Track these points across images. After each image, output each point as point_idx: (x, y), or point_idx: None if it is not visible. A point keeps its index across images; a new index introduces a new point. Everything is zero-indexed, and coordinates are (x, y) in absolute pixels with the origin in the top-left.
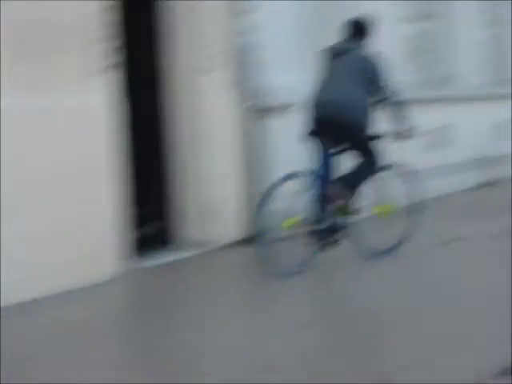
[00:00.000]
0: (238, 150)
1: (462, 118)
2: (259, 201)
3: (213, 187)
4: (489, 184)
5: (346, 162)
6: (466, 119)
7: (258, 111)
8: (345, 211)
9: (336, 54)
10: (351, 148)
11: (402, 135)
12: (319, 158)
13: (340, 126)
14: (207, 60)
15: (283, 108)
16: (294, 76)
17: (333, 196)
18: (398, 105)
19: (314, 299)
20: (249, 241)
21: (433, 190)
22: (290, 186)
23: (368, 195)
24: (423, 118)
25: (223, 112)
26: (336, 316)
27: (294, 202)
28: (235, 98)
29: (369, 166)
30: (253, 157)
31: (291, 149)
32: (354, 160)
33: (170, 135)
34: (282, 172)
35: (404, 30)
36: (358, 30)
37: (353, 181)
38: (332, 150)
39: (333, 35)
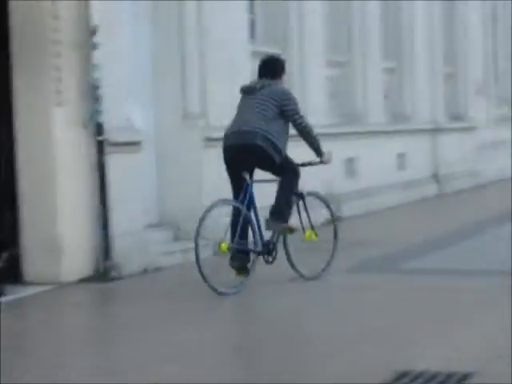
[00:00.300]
0: (89, 186)
1: (304, 156)
2: (196, 226)
3: (63, 223)
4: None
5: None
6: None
7: (109, 146)
8: (288, 232)
9: (250, 90)
10: (272, 172)
11: (322, 162)
12: (233, 189)
13: (251, 152)
14: (59, 93)
15: (133, 144)
16: (144, 113)
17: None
18: (314, 134)
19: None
20: (98, 277)
21: None
22: (221, 212)
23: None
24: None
25: (74, 147)
26: None
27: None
28: (86, 133)
29: (290, 188)
30: (102, 192)
31: (139, 185)
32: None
33: (19, 170)
34: (126, 209)
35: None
36: (271, 68)
37: (282, 207)
38: (248, 179)
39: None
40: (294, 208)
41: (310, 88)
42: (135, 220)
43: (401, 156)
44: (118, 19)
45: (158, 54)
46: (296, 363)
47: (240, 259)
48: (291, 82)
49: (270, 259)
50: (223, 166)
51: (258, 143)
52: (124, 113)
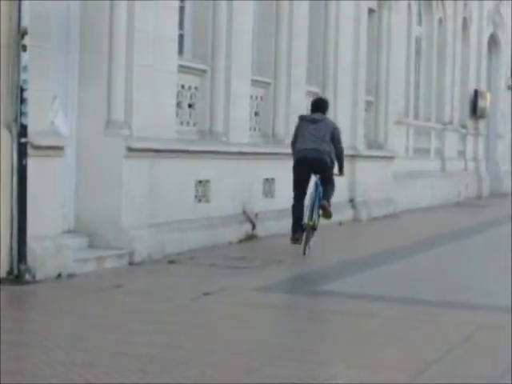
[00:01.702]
0: (8, 187)
1: (224, 173)
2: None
3: None
4: (252, 238)
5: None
6: (229, 174)
7: (32, 149)
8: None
9: (314, 121)
10: (325, 178)
11: (340, 175)
12: (298, 188)
13: (320, 163)
14: None
15: (55, 148)
16: (69, 118)
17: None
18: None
19: None
20: (12, 280)
21: (196, 242)
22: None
23: None
24: (189, 170)
25: None
26: None
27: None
28: (10, 135)
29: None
30: (20, 195)
31: (58, 190)
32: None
33: None
34: (44, 213)
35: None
36: (322, 106)
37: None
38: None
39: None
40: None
41: (233, 106)
42: (52, 225)
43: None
44: (47, 22)
45: (86, 61)
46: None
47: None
48: (216, 98)
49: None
50: (144, 176)
51: (323, 158)
52: (48, 117)
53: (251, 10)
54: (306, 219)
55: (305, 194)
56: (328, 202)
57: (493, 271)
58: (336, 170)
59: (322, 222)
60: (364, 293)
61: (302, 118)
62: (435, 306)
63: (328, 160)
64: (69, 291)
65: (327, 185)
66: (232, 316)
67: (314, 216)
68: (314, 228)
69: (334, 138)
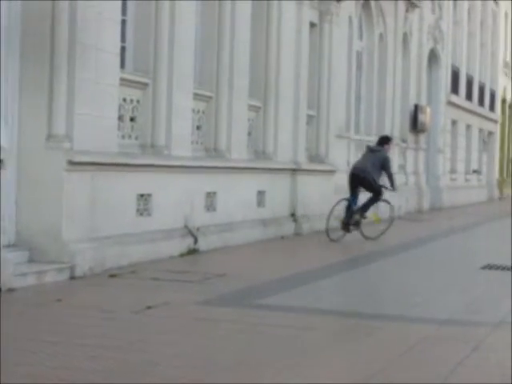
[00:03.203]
0: None
1: (165, 186)
2: (328, 213)
3: None
4: (194, 252)
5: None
6: (170, 188)
7: None
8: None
9: (372, 150)
10: (369, 190)
11: (391, 189)
12: (353, 193)
13: (363, 179)
14: None
15: None
16: (9, 130)
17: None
18: (393, 177)
19: None
20: None
21: (138, 256)
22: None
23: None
24: (131, 184)
25: None
26: None
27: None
28: None
29: (375, 199)
30: None
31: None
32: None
33: None
34: None
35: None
36: (382, 140)
37: (367, 207)
38: (358, 190)
39: None
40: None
41: (175, 119)
42: None
43: (261, 193)
44: None
45: (27, 72)
46: None
47: (345, 227)
48: (158, 112)
49: (352, 228)
50: (85, 190)
51: (367, 176)
52: None
53: (193, 24)
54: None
55: (354, 198)
56: (365, 211)
57: (429, 284)
58: (389, 186)
59: (265, 235)
60: (304, 306)
61: (367, 147)
62: (373, 320)
63: (369, 177)
64: (9, 305)
65: (372, 196)
66: (174, 330)
67: (348, 216)
68: (347, 223)
69: (383, 165)
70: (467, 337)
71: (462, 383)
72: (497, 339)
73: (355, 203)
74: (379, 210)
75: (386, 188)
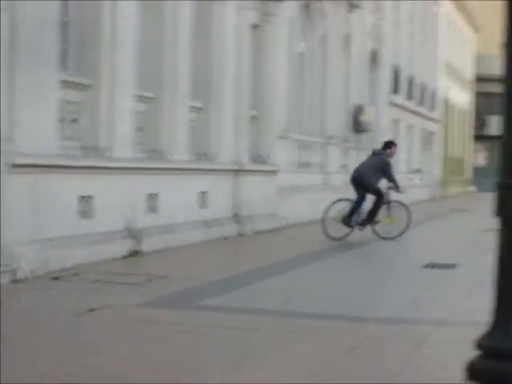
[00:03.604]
0: None
1: (107, 188)
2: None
3: None
4: (136, 253)
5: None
6: (112, 190)
7: None
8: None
9: (374, 153)
10: (366, 192)
11: (396, 190)
12: (357, 194)
13: (359, 181)
14: None
15: None
16: None
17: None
18: (395, 179)
19: None
20: None
21: (80, 258)
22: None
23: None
24: (72, 186)
25: None
26: None
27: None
28: None
29: (378, 202)
30: None
31: None
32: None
33: None
34: None
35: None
36: (385, 144)
37: (374, 211)
38: (361, 192)
39: None
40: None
41: (117, 121)
42: None
43: (203, 194)
44: None
45: None
46: None
47: (347, 223)
48: (99, 113)
49: (362, 228)
50: (26, 192)
51: (363, 178)
52: None
53: (134, 25)
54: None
55: (359, 199)
56: (372, 216)
57: (372, 283)
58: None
59: (207, 236)
60: (247, 307)
61: (372, 150)
62: (316, 319)
63: (364, 180)
64: None
65: (375, 200)
66: (117, 332)
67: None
68: (344, 221)
69: (383, 168)
70: (410, 335)
71: (405, 382)
72: (439, 337)
73: (360, 203)
74: (391, 210)
75: (390, 187)
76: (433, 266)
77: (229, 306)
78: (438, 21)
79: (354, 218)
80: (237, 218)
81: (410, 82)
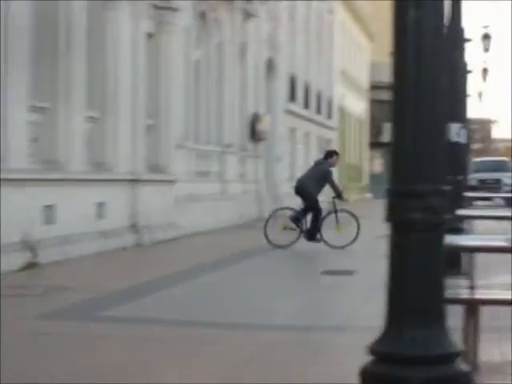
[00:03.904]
0: None
1: (3, 200)
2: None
3: None
4: (34, 265)
5: None
6: (7, 202)
7: None
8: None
9: (315, 163)
10: (308, 203)
11: (340, 199)
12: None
13: (301, 190)
14: None
15: None
16: None
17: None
18: (338, 188)
19: None
20: None
21: None
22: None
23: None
24: None
25: None
26: None
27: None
28: None
29: (316, 217)
30: None
31: None
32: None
33: None
34: None
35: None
36: (327, 154)
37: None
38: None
39: None
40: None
41: (11, 132)
42: None
43: (100, 205)
44: None
45: None
46: None
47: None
48: None
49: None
50: None
51: (303, 187)
52: None
53: (28, 35)
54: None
55: (304, 208)
56: (313, 233)
57: (269, 291)
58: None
59: (105, 247)
60: (145, 317)
61: (314, 161)
62: (215, 328)
63: (304, 189)
64: None
65: (312, 216)
66: (13, 345)
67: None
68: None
69: (325, 178)
70: (308, 342)
71: None
72: (337, 343)
73: (304, 214)
74: (340, 219)
75: (334, 197)
76: (331, 272)
77: (127, 317)
78: (333, 29)
79: (302, 221)
80: (135, 228)
81: (307, 91)
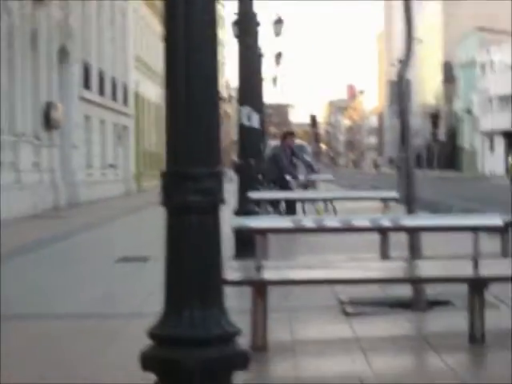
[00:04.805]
0: None
1: None
2: None
3: None
4: None
5: None
6: None
7: None
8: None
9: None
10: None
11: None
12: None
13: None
14: None
15: None
16: None
17: None
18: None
19: None
20: None
21: None
22: None
23: None
24: None
25: None
26: None
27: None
28: None
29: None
30: None
31: None
32: None
33: None
34: None
35: None
36: (283, 136)
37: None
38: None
39: None
40: None
41: None
42: None
43: None
44: None
45: None
46: None
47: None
48: None
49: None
50: None
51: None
52: None
53: None
54: None
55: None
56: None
57: (67, 280)
58: None
59: None
60: None
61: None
62: (10, 319)
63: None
64: None
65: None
66: None
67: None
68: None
69: (275, 160)
70: (103, 330)
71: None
72: (132, 330)
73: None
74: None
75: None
76: (126, 259)
77: None
78: (127, 16)
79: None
80: None
81: (102, 78)
